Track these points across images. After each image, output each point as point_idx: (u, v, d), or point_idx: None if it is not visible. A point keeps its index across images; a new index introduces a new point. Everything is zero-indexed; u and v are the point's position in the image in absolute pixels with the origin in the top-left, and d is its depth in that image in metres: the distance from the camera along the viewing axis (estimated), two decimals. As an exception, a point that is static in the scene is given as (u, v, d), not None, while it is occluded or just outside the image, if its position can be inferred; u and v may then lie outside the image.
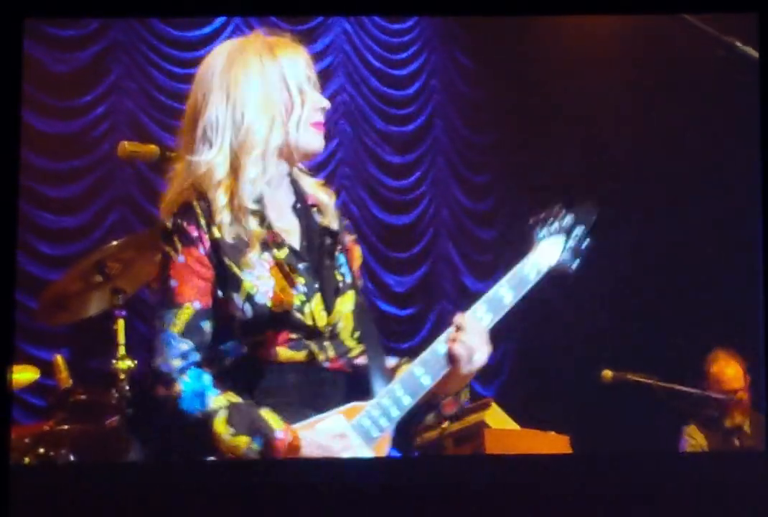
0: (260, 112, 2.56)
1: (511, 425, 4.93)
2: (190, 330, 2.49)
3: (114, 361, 4.13)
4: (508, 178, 7.12)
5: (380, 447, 2.53)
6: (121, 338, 4.17)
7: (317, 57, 2.78)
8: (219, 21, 6.54)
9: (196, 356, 2.49)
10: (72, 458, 4.13)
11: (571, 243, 2.75)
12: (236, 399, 2.46)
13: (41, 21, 5.80)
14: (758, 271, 2.81)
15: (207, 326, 2.51)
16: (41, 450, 4.11)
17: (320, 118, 2.63)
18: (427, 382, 2.55)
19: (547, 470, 2.55)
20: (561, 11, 3.52)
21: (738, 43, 2.88)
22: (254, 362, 2.50)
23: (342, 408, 2.52)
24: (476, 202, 7.29)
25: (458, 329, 2.56)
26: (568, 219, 2.76)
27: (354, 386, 2.58)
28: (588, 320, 6.49)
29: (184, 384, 2.45)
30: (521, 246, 2.73)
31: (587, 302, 6.48)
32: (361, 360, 2.60)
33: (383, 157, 7.10)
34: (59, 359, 4.37)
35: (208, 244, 2.51)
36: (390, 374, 2.60)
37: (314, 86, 2.65)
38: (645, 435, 5.41)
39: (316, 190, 2.69)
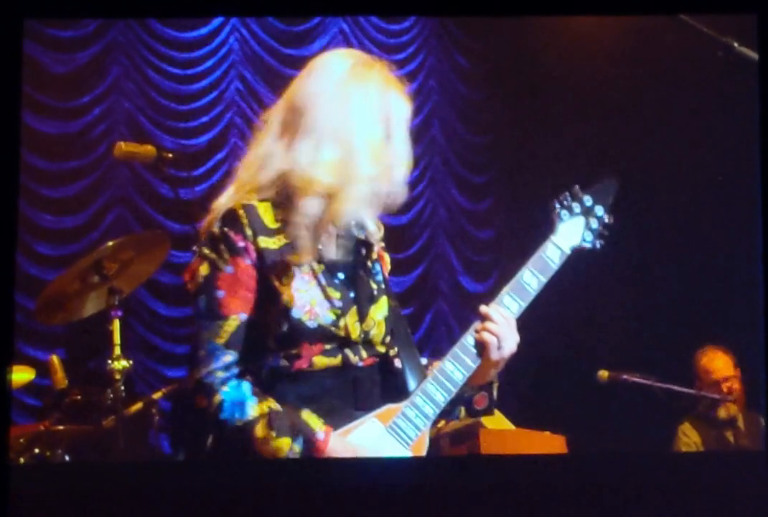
0: (369, 151, 2.56)
1: (507, 425, 4.91)
2: (235, 342, 2.48)
3: (109, 361, 4.13)
4: (506, 179, 7.11)
5: (418, 447, 2.54)
6: (117, 338, 4.17)
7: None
8: (216, 21, 6.53)
9: (239, 367, 2.48)
10: (67, 458, 4.12)
11: (592, 223, 2.76)
12: (276, 406, 2.45)
13: (41, 22, 5.80)
14: (757, 271, 2.81)
15: (251, 336, 2.50)
16: (36, 450, 4.11)
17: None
18: (459, 377, 2.56)
19: (543, 470, 2.55)
20: (560, 12, 3.52)
21: (736, 44, 2.89)
22: (291, 372, 2.49)
23: (377, 412, 2.53)
24: (474, 203, 7.27)
25: (484, 319, 2.57)
26: (587, 199, 2.77)
27: (391, 378, 2.59)
28: (584, 320, 6.48)
29: (224, 394, 2.44)
30: (542, 229, 2.73)
31: (583, 302, 6.48)
32: (397, 363, 2.62)
33: (381, 157, 7.08)
34: (55, 359, 4.37)
35: (254, 254, 2.50)
36: (426, 373, 2.60)
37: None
38: (641, 435, 5.41)
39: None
